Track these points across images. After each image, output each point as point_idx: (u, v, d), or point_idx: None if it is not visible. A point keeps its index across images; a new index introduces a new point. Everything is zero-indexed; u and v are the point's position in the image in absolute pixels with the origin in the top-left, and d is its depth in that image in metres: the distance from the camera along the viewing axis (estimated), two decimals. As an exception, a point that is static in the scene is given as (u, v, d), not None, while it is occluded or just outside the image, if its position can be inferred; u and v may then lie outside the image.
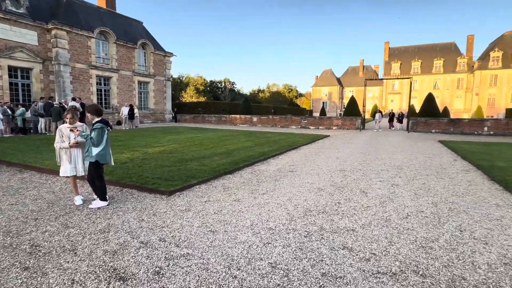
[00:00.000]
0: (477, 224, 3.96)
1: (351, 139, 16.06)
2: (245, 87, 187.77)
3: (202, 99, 73.06)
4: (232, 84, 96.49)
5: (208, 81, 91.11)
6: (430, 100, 26.96)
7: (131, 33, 29.37)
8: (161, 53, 31.56)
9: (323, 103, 75.77)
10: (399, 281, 2.62)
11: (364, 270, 2.78)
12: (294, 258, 3.01)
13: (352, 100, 30.28)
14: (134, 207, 4.51)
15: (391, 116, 25.38)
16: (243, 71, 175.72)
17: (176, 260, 2.92)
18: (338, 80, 79.77)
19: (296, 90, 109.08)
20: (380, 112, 24.92)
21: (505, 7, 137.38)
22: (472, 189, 5.74)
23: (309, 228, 3.78)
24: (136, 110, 22.11)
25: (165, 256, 3.00)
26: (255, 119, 28.45)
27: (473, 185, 6.05)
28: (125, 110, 21.46)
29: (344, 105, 60.85)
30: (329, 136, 17.68)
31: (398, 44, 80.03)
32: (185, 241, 3.37)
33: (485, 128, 19.70)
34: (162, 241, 3.34)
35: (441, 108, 43.40)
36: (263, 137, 15.48)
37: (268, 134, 17.23)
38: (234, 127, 25.19)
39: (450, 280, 2.64)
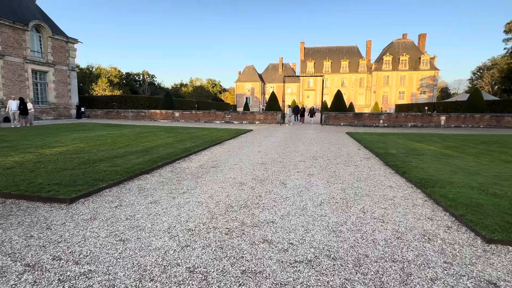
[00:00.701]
0: (376, 205, 4.51)
1: (272, 132, 16.78)
2: (167, 81, 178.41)
3: (117, 92, 66.35)
4: (151, 77, 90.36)
5: (124, 73, 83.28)
6: (338, 96, 30.17)
7: (21, 12, 24.52)
8: (62, 38, 27.25)
9: (247, 98, 77.56)
10: (313, 267, 2.75)
11: (282, 261, 2.84)
12: (214, 258, 2.89)
13: (273, 96, 31.70)
14: (21, 222, 3.70)
15: (302, 111, 27.64)
16: (164, 64, 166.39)
17: (74, 281, 2.47)
18: (260, 76, 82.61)
19: (220, 85, 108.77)
20: (290, 107, 26.98)
21: (395, 17, 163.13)
22: (372, 174, 6.57)
23: (230, 225, 3.71)
24: (30, 105, 18.59)
25: (59, 278, 2.51)
26: (177, 114, 27.23)
27: (373, 171, 6.94)
28: (13, 105, 17.83)
29: (266, 100, 63.49)
30: (252, 130, 18.11)
31: (312, 44, 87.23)
32: (87, 256, 2.89)
33: (381, 121, 23.10)
34: (57, 260, 2.80)
35: (348, 104, 49.12)
36: (185, 132, 14.88)
37: (191, 130, 16.66)
38: (154, 123, 23.62)
39: (356, 259, 2.90)
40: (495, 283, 2.55)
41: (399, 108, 52.82)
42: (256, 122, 25.46)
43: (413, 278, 2.60)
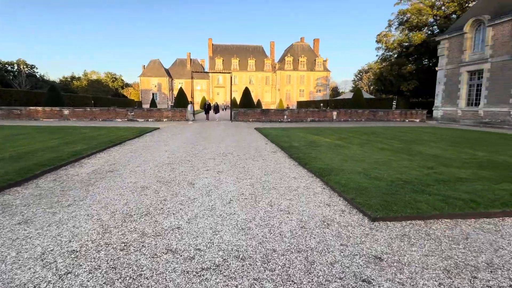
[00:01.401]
0: (282, 197, 4.69)
1: (181, 130, 16.05)
2: (53, 73, 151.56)
3: (-22, 85, 52.72)
4: (31, 68, 74.95)
5: (-11, 61, 66.66)
6: (247, 93, 31.17)
7: None
8: None
9: (153, 94, 72.56)
10: (222, 272, 2.59)
11: (188, 272, 2.58)
12: (104, 283, 2.41)
13: (181, 92, 30.45)
14: None
15: (207, 107, 27.35)
16: (50, 54, 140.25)
17: None
18: (167, 71, 78.47)
19: (122, 80, 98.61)
20: (191, 103, 25.47)
21: (295, 21, 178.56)
22: (278, 167, 6.88)
23: (127, 238, 3.21)
24: None
25: None
26: (66, 111, 23.26)
27: (279, 164, 7.28)
28: None
29: (174, 97, 60.78)
30: (159, 128, 16.92)
31: (220, 41, 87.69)
32: None
33: (285, 116, 24.92)
34: None
35: (256, 101, 51.31)
36: (76, 133, 12.77)
37: (85, 130, 14.43)
38: (36, 123, 19.61)
39: (264, 256, 2.88)
40: (380, 257, 2.89)
41: (300, 104, 58.33)
42: (164, 120, 23.99)
43: (316, 266, 2.72)
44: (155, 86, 75.55)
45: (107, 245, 3.04)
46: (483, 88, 20.44)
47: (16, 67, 72.45)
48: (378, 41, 41.45)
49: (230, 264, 2.72)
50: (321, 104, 45.58)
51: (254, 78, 75.72)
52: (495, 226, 3.62)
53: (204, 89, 76.45)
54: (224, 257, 2.83)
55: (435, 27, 36.53)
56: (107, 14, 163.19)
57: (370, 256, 2.90)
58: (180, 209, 4.12)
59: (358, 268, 2.68)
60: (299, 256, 2.88)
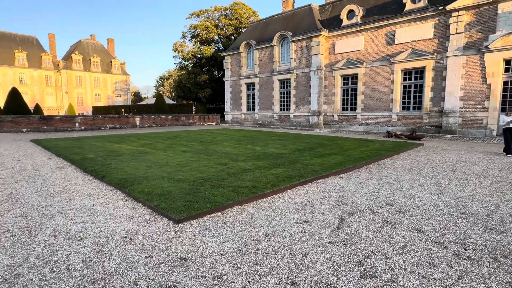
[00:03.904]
0: (72, 222, 3.85)
1: None
2: None
3: None
4: None
5: None
6: (15, 95, 23.72)
7: None
8: None
9: None
10: None
11: None
12: None
13: None
14: None
15: None
16: None
17: None
18: None
19: None
20: None
21: (82, 16, 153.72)
22: (66, 186, 5.64)
23: None
24: None
25: None
26: None
27: (67, 181, 5.99)
28: None
29: None
30: None
31: (-41, 21, 61.15)
32: None
33: (77, 124, 21.10)
34: None
35: (32, 105, 40.27)
36: None
37: None
38: None
39: (42, 305, 2.21)
40: (185, 257, 2.95)
41: (97, 110, 51.46)
42: None
43: (116, 291, 2.39)
44: None
45: None
46: (256, 97, 26.22)
47: None
48: (175, 50, 43.53)
49: None
50: (123, 110, 42.28)
51: (27, 77, 58.88)
52: (269, 204, 4.65)
53: None
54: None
55: (220, 44, 42.99)
56: None
57: (176, 259, 2.91)
58: None
59: (164, 276, 2.61)
60: (95, 288, 2.43)
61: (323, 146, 10.89)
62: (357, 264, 2.84)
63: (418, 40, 16.67)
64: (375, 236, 3.47)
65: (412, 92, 17.39)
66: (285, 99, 24.09)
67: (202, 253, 3.04)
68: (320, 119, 21.35)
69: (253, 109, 26.98)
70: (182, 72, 44.56)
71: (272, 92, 24.67)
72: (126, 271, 2.70)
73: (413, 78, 17.29)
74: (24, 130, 18.82)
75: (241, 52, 26.86)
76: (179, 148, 10.54)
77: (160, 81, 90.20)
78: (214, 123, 29.48)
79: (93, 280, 2.54)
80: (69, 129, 20.55)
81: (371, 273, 2.68)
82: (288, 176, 6.01)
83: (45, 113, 44.57)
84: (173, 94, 66.12)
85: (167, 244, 3.24)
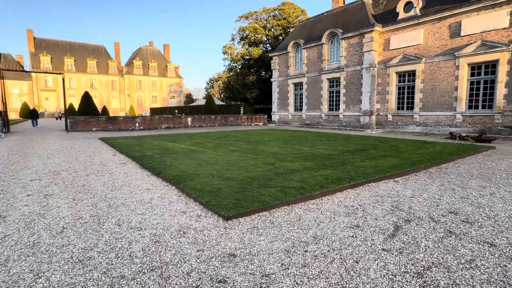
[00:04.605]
0: (133, 213, 4.21)
1: (-13, 147, 11.92)
2: None
3: None
4: None
5: None
6: (87, 98, 26.81)
7: None
8: None
9: None
10: (47, 325, 2.00)
11: None
12: None
13: (-15, 96, 22.72)
14: None
15: (34, 114, 18.54)
16: None
17: None
18: (-42, 67, 56.80)
19: None
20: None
21: (143, 24, 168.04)
22: (128, 180, 6.19)
23: None
24: None
25: None
26: None
27: (129, 176, 6.57)
28: None
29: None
30: None
31: (46, 35, 71.40)
32: None
33: (137, 124, 23.05)
34: None
35: (100, 107, 45.09)
36: None
37: None
38: None
39: (109, 287, 2.45)
40: (233, 253, 3.03)
41: (154, 111, 55.60)
42: (-46, 134, 17.15)
43: (171, 280, 2.55)
44: None
45: None
46: (304, 96, 25.84)
47: None
48: (224, 53, 45.03)
49: (60, 311, 2.15)
50: (176, 111, 45.06)
51: (96, 82, 66.18)
52: (317, 205, 4.55)
53: (25, 93, 60.24)
54: (51, 305, 2.22)
55: (268, 44, 43.30)
56: None
57: (225, 255, 3.00)
58: (-21, 255, 2.97)
59: (214, 270, 2.71)
60: (153, 275, 2.63)
61: (375, 148, 10.30)
62: (416, 275, 2.62)
63: (489, 31, 14.83)
64: (437, 246, 3.17)
65: (482, 89, 15.52)
66: (334, 99, 23.34)
67: (250, 251, 3.08)
68: (372, 119, 20.24)
69: (301, 109, 26.65)
70: (230, 74, 45.88)
71: (321, 91, 24.09)
72: (180, 262, 2.86)
73: (482, 73, 15.43)
74: (93, 129, 21.14)
75: (289, 52, 26.72)
76: (227, 147, 10.87)
77: (210, 83, 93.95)
78: (261, 123, 29.81)
79: (151, 268, 2.74)
80: (130, 128, 22.54)
81: (431, 286, 2.45)
82: (337, 178, 5.80)
83: (111, 114, 49.57)
84: (222, 95, 68.46)
85: (217, 239, 3.36)
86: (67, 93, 56.39)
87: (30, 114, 27.08)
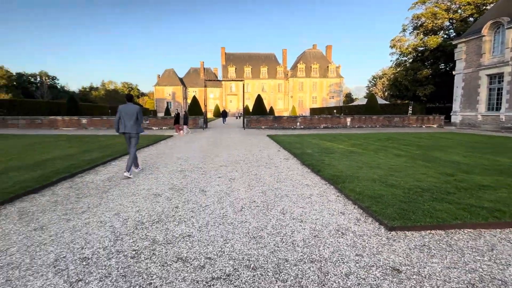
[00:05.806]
0: (295, 205, 4.58)
1: (194, 138, 16.19)
2: (73, 84, 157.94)
3: (5, 96, 55.48)
4: (52, 80, 78.26)
5: (15, 74, 70.08)
6: (259, 101, 31.27)
7: None
8: None
9: (167, 103, 73.96)
10: (232, 282, 2.52)
11: (197, 281, 2.52)
12: (114, 291, 2.39)
13: (194, 100, 30.95)
14: None
15: (176, 117, 19.50)
16: (69, 66, 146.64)
17: None
18: (181, 80, 79.98)
19: (138, 89, 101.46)
20: (178, 111, 21.38)
21: (307, 27, 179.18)
22: (290, 174, 6.78)
23: (138, 245, 3.20)
24: None
25: None
26: (84, 120, 24.01)
27: (291, 171, 7.18)
28: None
29: (188, 105, 61.66)
30: (172, 136, 17.15)
31: (232, 50, 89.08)
32: None
33: (298, 123, 24.77)
34: None
35: (268, 108, 51.41)
36: (94, 141, 13.11)
37: (101, 138, 14.80)
38: (55, 132, 20.29)
39: (276, 266, 2.79)
40: (398, 269, 2.74)
41: (313, 111, 57.96)
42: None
43: (330, 277, 2.61)
44: (169, 95, 77.02)
45: (118, 253, 3.03)
46: (504, 91, 19.68)
47: (38, 79, 75.78)
48: (392, 46, 40.89)
49: (241, 274, 2.65)
50: (335, 111, 45.13)
51: (266, 86, 76.04)
52: (523, 237, 3.39)
53: (217, 97, 77.31)
54: (235, 267, 2.77)
55: (451, 30, 35.76)
56: (122, 26, 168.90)
57: (388, 267, 2.76)
58: (192, 216, 4.09)
59: (375, 280, 2.55)
60: (312, 267, 2.78)
61: None
62: None
63: None
64: None
65: None
66: (561, 93, 16.48)
67: (419, 271, 2.69)
68: None
69: (497, 109, 20.53)
70: (398, 69, 41.21)
71: (535, 83, 17.62)
72: (338, 261, 2.87)
73: None
74: (263, 127, 24.45)
75: (483, 36, 21.07)
76: (391, 151, 9.87)
77: (373, 81, 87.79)
78: (435, 126, 25.16)
79: (311, 260, 2.90)
80: (292, 127, 24.53)
81: None
82: (563, 206, 4.10)
83: (276, 114, 55.59)
84: (385, 94, 62.57)
85: (378, 248, 3.14)
86: (245, 97, 67.94)
87: (222, 113, 37.02)
